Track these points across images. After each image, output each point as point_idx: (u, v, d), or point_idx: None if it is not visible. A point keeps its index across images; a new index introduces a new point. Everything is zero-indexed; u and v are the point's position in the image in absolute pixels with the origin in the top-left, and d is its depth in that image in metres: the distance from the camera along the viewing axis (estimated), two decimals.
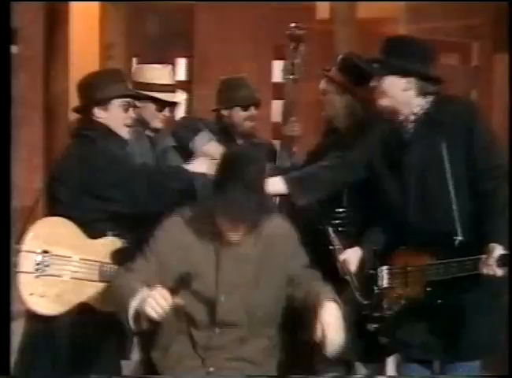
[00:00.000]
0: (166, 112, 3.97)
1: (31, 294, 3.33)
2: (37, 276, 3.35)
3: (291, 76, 3.72)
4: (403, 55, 3.24)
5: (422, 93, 3.25)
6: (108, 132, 3.56)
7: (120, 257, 3.44)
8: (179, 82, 7.45)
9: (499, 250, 3.02)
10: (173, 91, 4.00)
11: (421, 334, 3.34)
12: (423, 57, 3.27)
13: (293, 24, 3.70)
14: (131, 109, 3.53)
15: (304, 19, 6.18)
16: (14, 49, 5.71)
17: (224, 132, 4.02)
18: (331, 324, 2.82)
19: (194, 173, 3.60)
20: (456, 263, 3.16)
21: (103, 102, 3.51)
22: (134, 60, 6.96)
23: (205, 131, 3.96)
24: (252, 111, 4.02)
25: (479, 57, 6.71)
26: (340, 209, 3.71)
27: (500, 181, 3.20)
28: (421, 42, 3.40)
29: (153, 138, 3.92)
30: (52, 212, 3.55)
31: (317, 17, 7.11)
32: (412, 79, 3.19)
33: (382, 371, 4.07)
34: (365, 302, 3.34)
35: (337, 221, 3.70)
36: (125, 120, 3.53)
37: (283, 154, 3.83)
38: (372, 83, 3.39)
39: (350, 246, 3.52)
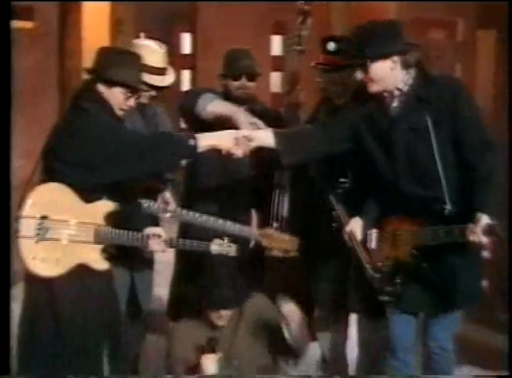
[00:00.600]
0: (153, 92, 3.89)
1: (33, 259, 3.39)
2: (37, 241, 3.39)
3: (297, 47, 3.85)
4: (381, 39, 3.30)
5: (406, 66, 3.31)
6: (105, 107, 3.50)
7: (114, 219, 3.51)
8: (184, 55, 8.10)
9: (485, 220, 3.08)
10: (163, 74, 3.98)
11: (410, 290, 3.42)
12: (396, 33, 3.32)
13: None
14: (132, 99, 3.48)
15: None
16: (29, 25, 6.07)
17: (227, 100, 4.03)
18: (290, 316, 3.37)
19: (181, 137, 3.51)
20: (444, 230, 3.22)
21: (108, 82, 3.45)
22: (142, 35, 6.41)
23: (208, 93, 3.91)
24: (243, 81, 3.96)
25: (463, 33, 6.74)
26: (343, 179, 3.75)
27: (486, 154, 3.23)
28: (388, 21, 3.51)
29: (142, 111, 3.88)
30: (47, 180, 3.51)
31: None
32: (396, 57, 3.25)
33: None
34: (377, 276, 3.37)
35: (340, 191, 3.72)
36: (122, 105, 3.49)
37: (288, 121, 3.92)
38: (359, 74, 3.35)
39: (352, 216, 3.57)
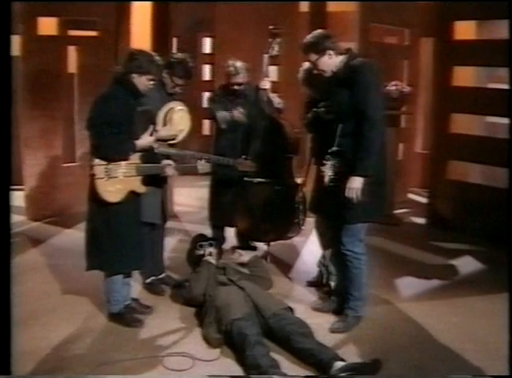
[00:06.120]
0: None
1: (105, 191, 3.92)
2: (106, 180, 3.93)
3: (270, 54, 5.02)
4: (318, 43, 4.00)
5: (338, 53, 4.00)
6: (130, 89, 3.97)
7: (144, 158, 4.10)
8: (206, 54, 8.46)
9: (353, 182, 3.81)
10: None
11: (328, 206, 4.14)
12: (326, 37, 4.02)
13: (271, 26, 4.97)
14: (152, 82, 4.02)
15: (290, 11, 7.38)
16: (94, 33, 6.99)
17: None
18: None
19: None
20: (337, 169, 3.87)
21: (139, 72, 3.95)
22: (174, 39, 7.60)
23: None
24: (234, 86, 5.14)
25: (409, 39, 7.25)
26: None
27: (365, 123, 3.75)
28: (322, 31, 4.08)
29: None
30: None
31: (300, 10, 7.72)
32: (330, 51, 3.97)
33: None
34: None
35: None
36: (147, 86, 4.02)
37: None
38: (317, 65, 4.04)
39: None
